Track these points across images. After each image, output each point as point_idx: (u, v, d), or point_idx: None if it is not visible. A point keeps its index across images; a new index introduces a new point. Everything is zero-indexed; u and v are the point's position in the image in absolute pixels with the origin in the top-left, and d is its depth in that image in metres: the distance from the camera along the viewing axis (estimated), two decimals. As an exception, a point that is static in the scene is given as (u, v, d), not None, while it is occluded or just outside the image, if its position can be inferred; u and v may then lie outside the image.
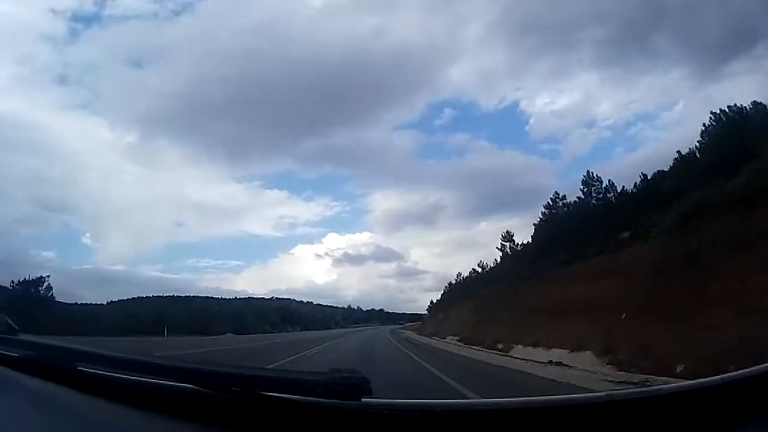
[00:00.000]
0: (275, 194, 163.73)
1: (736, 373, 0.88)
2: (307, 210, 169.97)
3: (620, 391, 0.89)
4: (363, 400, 0.91)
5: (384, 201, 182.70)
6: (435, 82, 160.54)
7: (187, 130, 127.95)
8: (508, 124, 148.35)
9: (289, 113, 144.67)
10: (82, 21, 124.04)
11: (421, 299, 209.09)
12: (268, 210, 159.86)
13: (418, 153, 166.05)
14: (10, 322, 1.60)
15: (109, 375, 1.22)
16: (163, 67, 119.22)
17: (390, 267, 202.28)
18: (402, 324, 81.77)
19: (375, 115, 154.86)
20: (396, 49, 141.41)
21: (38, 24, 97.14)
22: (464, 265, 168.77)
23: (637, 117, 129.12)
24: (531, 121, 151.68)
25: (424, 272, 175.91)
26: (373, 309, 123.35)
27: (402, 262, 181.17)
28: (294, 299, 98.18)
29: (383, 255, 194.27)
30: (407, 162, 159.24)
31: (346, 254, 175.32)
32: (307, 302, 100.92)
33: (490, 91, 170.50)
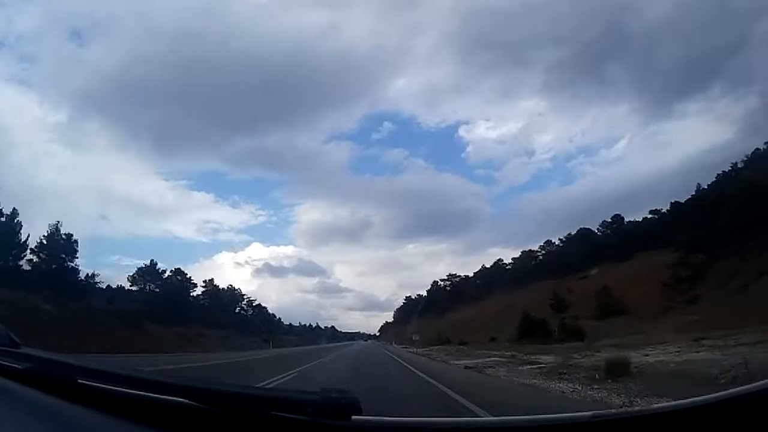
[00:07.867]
0: (202, 197, 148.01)
1: (726, 392, 0.88)
2: (232, 216, 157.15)
3: (606, 411, 0.90)
4: (353, 418, 0.92)
5: (311, 212, 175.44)
6: (378, 92, 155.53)
7: (117, 115, 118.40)
8: (446, 145, 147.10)
9: (223, 106, 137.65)
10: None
11: (341, 317, 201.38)
12: (194, 213, 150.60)
13: (351, 165, 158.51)
14: (11, 335, 1.62)
15: (109, 389, 1.24)
16: (102, 42, 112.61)
17: (312, 282, 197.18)
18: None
19: (311, 120, 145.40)
20: (341, 52, 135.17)
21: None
22: (386, 286, 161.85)
23: (579, 150, 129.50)
24: (471, 144, 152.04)
25: (346, 290, 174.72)
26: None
27: (324, 278, 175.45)
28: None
29: (306, 269, 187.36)
30: (339, 173, 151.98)
31: (267, 265, 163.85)
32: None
33: (433, 108, 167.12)
